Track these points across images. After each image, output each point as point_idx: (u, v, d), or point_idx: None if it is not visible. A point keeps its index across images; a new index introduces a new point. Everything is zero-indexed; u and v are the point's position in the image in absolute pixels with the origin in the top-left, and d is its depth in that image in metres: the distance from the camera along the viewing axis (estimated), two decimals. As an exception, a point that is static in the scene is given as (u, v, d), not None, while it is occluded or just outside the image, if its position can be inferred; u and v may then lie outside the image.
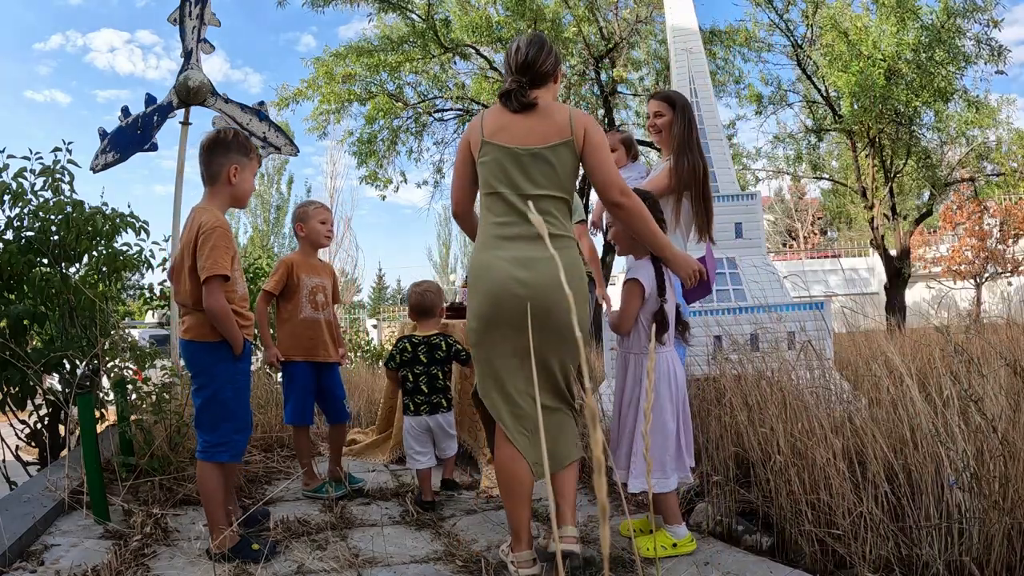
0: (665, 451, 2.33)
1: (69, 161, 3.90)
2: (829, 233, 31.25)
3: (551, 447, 2.21)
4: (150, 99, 4.20)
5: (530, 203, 1.08)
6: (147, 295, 5.12)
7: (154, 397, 3.31)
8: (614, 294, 4.89)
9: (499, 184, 2.15)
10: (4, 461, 3.52)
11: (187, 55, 4.31)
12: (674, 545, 2.32)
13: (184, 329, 2.37)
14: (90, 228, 3.78)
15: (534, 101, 2.15)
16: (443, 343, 3.04)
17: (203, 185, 2.45)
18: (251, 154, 2.48)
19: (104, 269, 3.99)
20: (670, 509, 2.35)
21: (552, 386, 2.21)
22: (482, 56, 12.55)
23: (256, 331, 2.87)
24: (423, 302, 3.10)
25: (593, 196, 14.06)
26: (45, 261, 3.79)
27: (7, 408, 3.61)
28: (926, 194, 13.07)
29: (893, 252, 12.68)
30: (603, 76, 12.34)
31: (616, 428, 2.48)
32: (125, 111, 4.16)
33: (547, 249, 1.93)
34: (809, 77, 12.70)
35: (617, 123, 13.08)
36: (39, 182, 3.82)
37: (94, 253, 3.93)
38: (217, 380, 2.35)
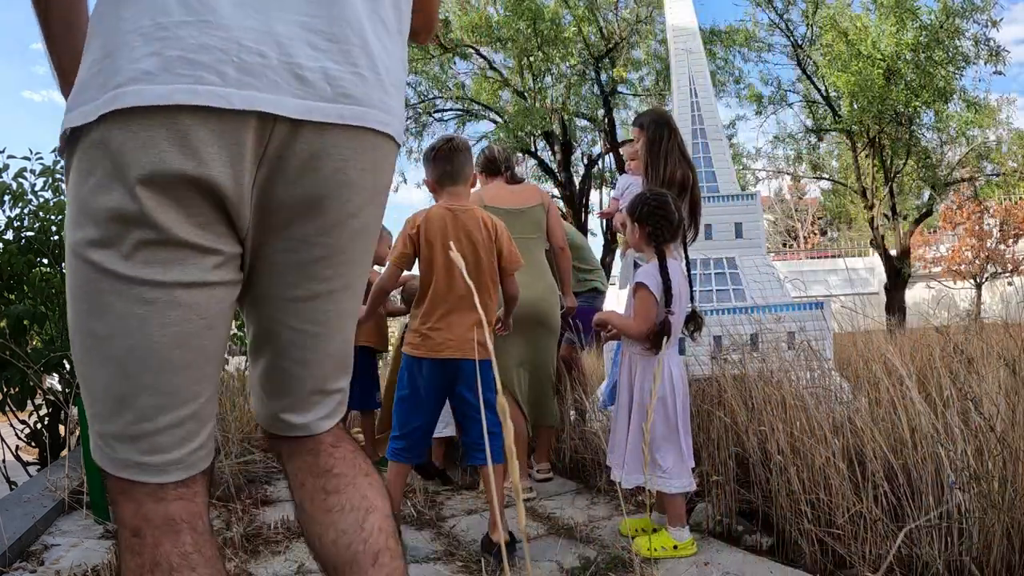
0: (655, 450, 2.34)
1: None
2: (829, 233, 31.27)
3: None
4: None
5: None
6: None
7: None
8: (613, 295, 4.88)
9: None
10: (4, 461, 3.52)
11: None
12: (675, 547, 2.31)
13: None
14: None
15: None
16: None
17: (446, 184, 2.46)
18: None
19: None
20: (675, 511, 2.35)
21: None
22: (482, 56, 12.55)
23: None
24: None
25: (596, 196, 14.10)
26: (45, 261, 3.79)
27: (7, 408, 3.61)
28: (926, 194, 13.06)
29: (893, 252, 12.68)
30: (603, 76, 12.34)
31: (615, 428, 2.49)
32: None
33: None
34: (809, 77, 12.71)
35: (617, 123, 13.09)
36: (39, 182, 3.82)
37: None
38: None
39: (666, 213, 2.42)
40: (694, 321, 2.52)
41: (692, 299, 2.55)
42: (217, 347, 0.89)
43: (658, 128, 2.95)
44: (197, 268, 0.82)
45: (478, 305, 0.65)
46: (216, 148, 0.77)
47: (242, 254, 0.88)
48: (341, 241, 0.92)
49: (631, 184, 3.39)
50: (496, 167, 3.29)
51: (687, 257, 2.60)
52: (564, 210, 12.87)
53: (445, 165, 2.45)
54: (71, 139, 0.80)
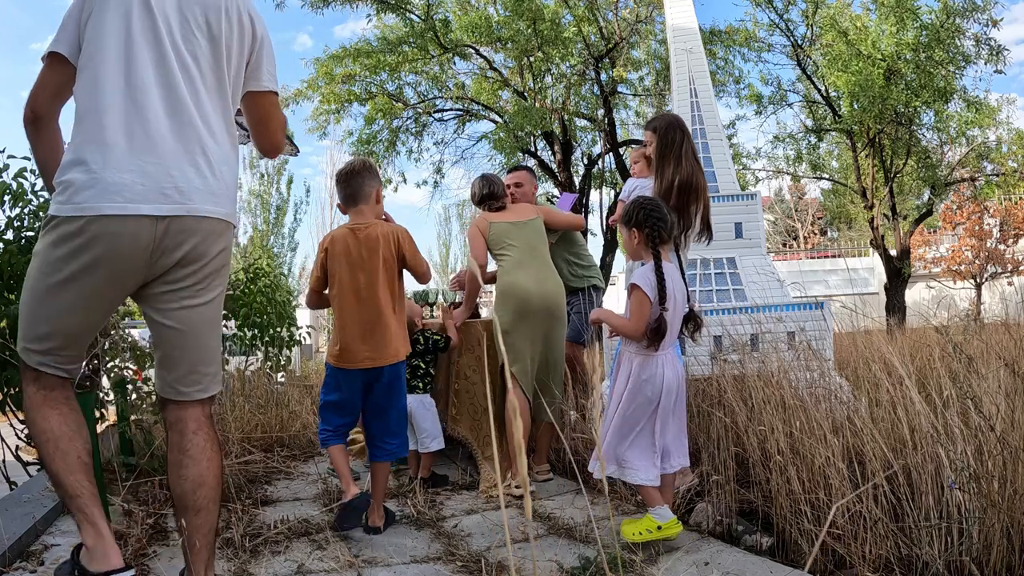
0: (624, 444, 2.41)
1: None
2: (829, 233, 31.26)
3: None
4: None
5: None
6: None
7: (154, 397, 3.32)
8: (614, 294, 4.88)
9: None
10: (4, 461, 3.51)
11: (187, 55, 4.31)
12: (659, 528, 2.33)
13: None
14: (90, 228, 3.77)
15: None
16: (420, 338, 3.40)
17: (349, 205, 2.70)
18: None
19: (104, 269, 3.99)
20: (647, 496, 2.40)
21: None
22: (482, 56, 12.54)
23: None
24: None
25: (596, 196, 14.09)
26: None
27: (7, 408, 3.60)
28: (926, 194, 13.05)
29: (893, 252, 12.67)
30: (603, 76, 12.33)
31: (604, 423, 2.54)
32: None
33: None
34: (809, 77, 12.70)
35: (616, 123, 13.09)
36: (39, 182, 3.81)
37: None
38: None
39: (661, 215, 2.48)
40: (693, 321, 2.55)
41: (689, 299, 2.57)
42: (104, 317, 1.69)
43: (670, 132, 3.04)
44: (106, 282, 1.59)
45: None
46: (126, 236, 1.53)
47: (142, 284, 1.64)
48: (199, 278, 1.65)
49: (637, 187, 3.40)
50: (477, 203, 3.64)
51: (680, 259, 2.64)
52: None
53: (345, 189, 2.70)
54: (49, 220, 1.58)
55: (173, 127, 1.59)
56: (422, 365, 3.44)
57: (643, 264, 2.52)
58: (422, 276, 2.78)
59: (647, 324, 2.39)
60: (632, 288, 2.43)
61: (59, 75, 1.63)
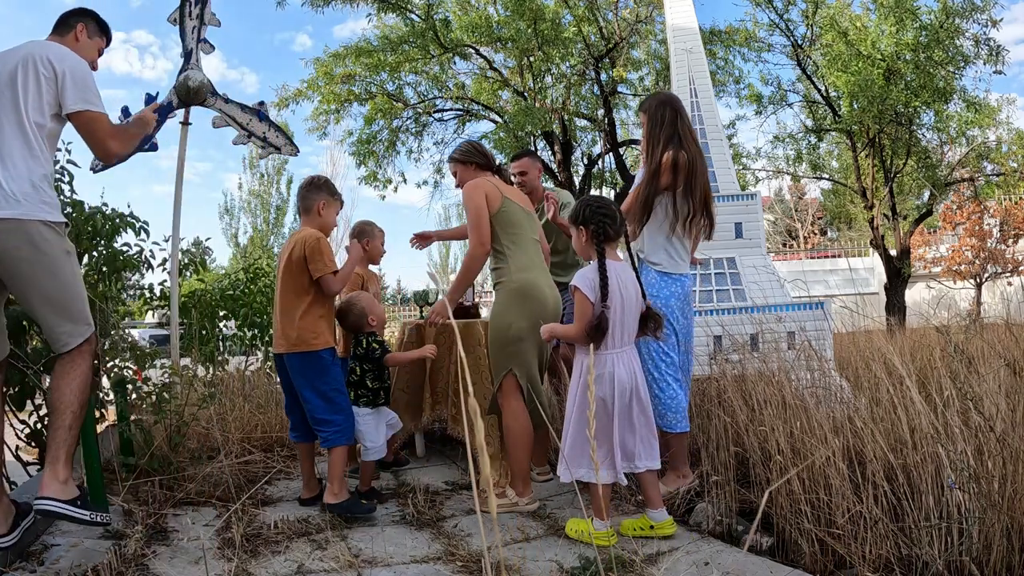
0: (573, 446, 2.44)
1: (69, 161, 3.90)
2: (829, 233, 31.27)
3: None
4: (150, 99, 4.20)
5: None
6: (147, 295, 5.11)
7: (154, 397, 3.32)
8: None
9: None
10: (4, 461, 3.51)
11: (187, 55, 4.31)
12: (590, 534, 2.43)
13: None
14: (90, 228, 3.77)
15: None
16: (364, 341, 3.15)
17: (299, 216, 3.09)
18: (336, 195, 3.09)
19: (104, 269, 3.99)
20: (593, 502, 2.45)
21: None
22: (482, 56, 12.54)
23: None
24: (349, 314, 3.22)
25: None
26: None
27: (7, 408, 3.60)
28: (926, 194, 13.05)
29: (893, 252, 12.67)
30: (603, 76, 12.33)
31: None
32: (125, 111, 4.16)
33: None
34: (809, 77, 12.69)
35: (616, 123, 13.09)
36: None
37: (94, 253, 3.93)
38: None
39: (608, 211, 2.47)
40: (653, 320, 2.51)
41: (645, 296, 2.55)
42: None
43: (660, 110, 2.92)
44: None
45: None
46: None
47: None
48: (15, 261, 2.14)
49: None
50: (488, 162, 3.17)
51: (632, 257, 2.62)
52: (564, 210, 12.80)
53: (297, 202, 3.10)
54: None
55: None
56: (357, 372, 3.11)
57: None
58: (324, 285, 2.84)
59: (590, 323, 2.37)
60: (574, 290, 2.44)
61: None
